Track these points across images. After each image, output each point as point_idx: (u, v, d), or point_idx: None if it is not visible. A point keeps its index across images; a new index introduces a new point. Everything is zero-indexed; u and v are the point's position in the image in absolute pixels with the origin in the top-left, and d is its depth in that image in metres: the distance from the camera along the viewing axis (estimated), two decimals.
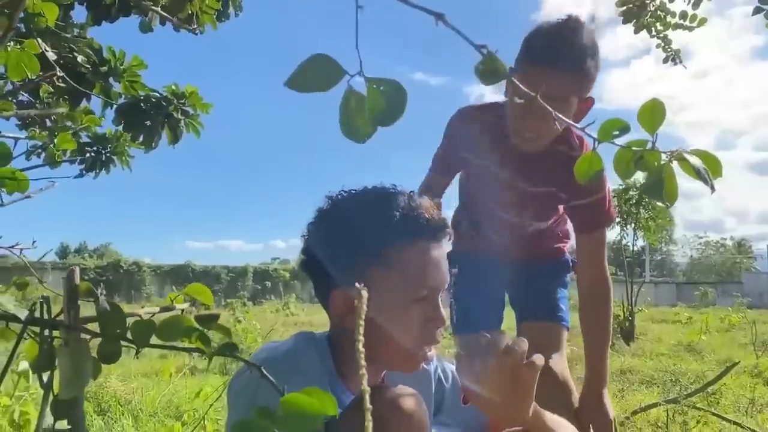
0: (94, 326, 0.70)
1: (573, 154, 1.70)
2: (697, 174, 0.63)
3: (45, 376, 0.65)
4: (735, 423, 3.01)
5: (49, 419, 0.71)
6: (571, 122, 0.62)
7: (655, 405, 3.36)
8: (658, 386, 4.40)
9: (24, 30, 1.71)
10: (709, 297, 21.65)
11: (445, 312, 1.07)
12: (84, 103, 1.94)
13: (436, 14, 0.48)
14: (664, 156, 0.63)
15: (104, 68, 1.94)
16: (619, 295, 7.85)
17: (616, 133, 0.61)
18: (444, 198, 1.92)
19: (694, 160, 0.63)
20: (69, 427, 0.69)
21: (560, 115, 0.60)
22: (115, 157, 2.08)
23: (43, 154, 1.72)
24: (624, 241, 8.93)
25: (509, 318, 2.05)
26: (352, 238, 1.03)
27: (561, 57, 1.50)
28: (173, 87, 2.26)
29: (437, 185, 1.91)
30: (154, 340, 0.67)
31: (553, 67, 1.49)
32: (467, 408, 1.23)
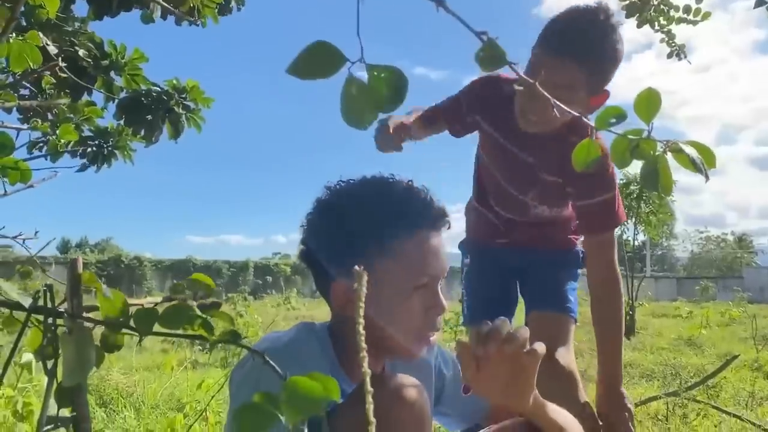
0: (97, 315, 0.70)
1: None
2: (691, 164, 0.63)
3: (49, 364, 0.65)
4: (735, 416, 3.02)
5: (52, 407, 0.71)
6: (570, 110, 0.62)
7: (655, 398, 3.37)
8: (658, 380, 4.41)
9: (25, 23, 1.71)
10: (709, 291, 21.67)
11: (445, 300, 1.08)
12: (85, 97, 1.94)
13: (436, 0, 0.48)
14: (659, 145, 0.64)
15: (105, 62, 1.94)
16: None
17: (613, 121, 0.62)
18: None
19: (689, 151, 0.64)
20: (73, 414, 0.70)
21: (559, 103, 0.60)
22: (117, 151, 2.08)
23: (45, 147, 1.72)
24: (625, 236, 8.95)
25: (521, 307, 2.05)
26: (352, 228, 1.04)
27: (568, 45, 1.49)
28: (174, 81, 2.26)
29: (432, 114, 1.92)
30: (156, 328, 0.67)
31: (560, 54, 1.49)
32: (468, 397, 1.23)
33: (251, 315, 7.63)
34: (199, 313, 0.65)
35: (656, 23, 2.88)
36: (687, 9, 2.78)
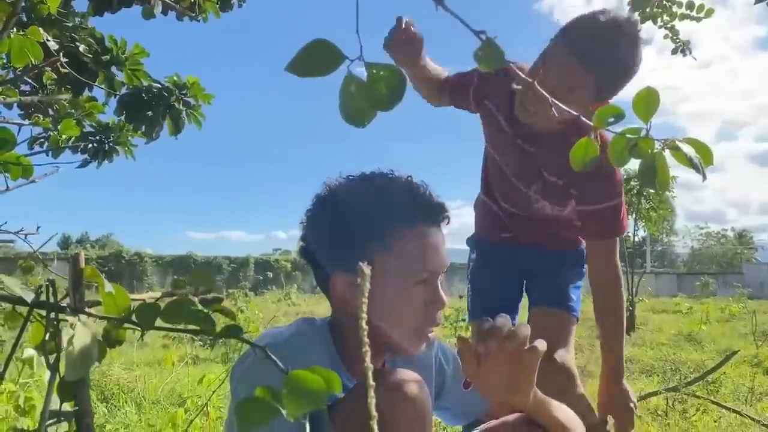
0: (98, 310, 0.71)
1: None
2: (689, 162, 0.64)
3: (51, 359, 0.66)
4: (734, 411, 3.02)
5: (55, 402, 0.72)
6: (567, 109, 0.63)
7: (655, 393, 3.38)
8: (658, 375, 4.42)
9: (25, 19, 1.71)
10: (709, 287, 21.68)
11: (445, 295, 1.09)
12: (86, 93, 1.94)
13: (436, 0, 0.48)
14: (657, 144, 0.64)
15: (106, 57, 1.94)
16: None
17: (611, 120, 0.62)
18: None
19: (687, 149, 0.64)
20: (75, 408, 0.71)
21: (558, 102, 0.61)
22: (118, 147, 2.08)
23: (46, 143, 1.72)
24: (625, 232, 8.93)
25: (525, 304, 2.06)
26: (352, 224, 1.04)
27: (585, 52, 1.47)
28: (175, 77, 2.26)
29: (438, 74, 1.90)
30: (158, 323, 0.68)
31: (575, 58, 1.47)
32: (469, 392, 1.24)
33: (252, 311, 7.64)
34: (200, 308, 0.66)
35: (659, 19, 2.87)
36: (690, 5, 2.78)
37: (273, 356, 0.60)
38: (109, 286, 0.67)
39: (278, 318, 7.88)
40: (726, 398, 3.55)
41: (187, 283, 0.87)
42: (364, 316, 0.43)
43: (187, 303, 0.67)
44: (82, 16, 1.98)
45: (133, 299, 0.71)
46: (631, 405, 1.73)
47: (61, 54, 1.10)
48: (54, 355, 0.65)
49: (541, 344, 0.98)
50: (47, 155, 1.69)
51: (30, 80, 1.53)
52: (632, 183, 8.29)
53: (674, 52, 2.95)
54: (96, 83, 1.96)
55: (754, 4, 2.24)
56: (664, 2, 2.83)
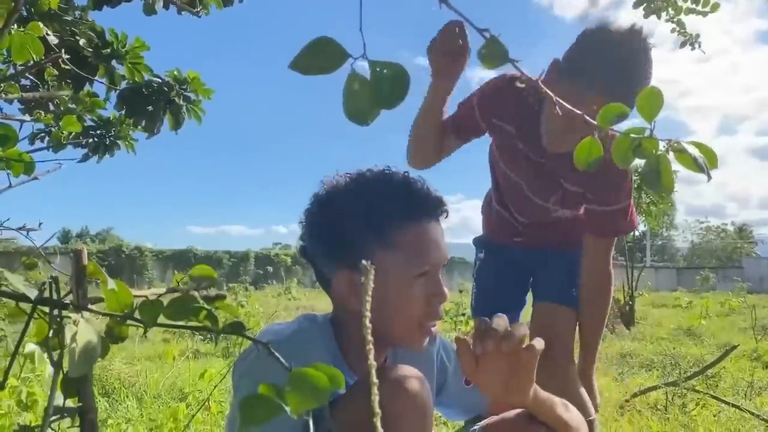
0: (101, 306, 0.71)
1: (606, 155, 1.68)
2: (694, 164, 0.64)
3: (54, 356, 0.66)
4: (734, 405, 3.03)
5: (58, 398, 0.72)
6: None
7: (654, 388, 3.39)
8: (657, 369, 4.43)
9: (25, 14, 1.70)
10: (709, 282, 21.71)
11: (447, 289, 1.09)
12: (87, 87, 1.94)
13: None
14: (661, 144, 0.64)
15: (107, 51, 1.93)
16: (620, 279, 7.88)
17: (616, 119, 0.62)
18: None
19: (692, 150, 0.64)
20: (79, 404, 0.71)
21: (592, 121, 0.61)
22: (119, 141, 2.08)
23: (47, 138, 1.72)
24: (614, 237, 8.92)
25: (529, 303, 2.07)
26: (351, 220, 1.05)
27: (614, 82, 1.44)
28: (175, 72, 2.25)
29: (449, 143, 1.85)
30: (161, 320, 0.68)
31: (603, 91, 1.41)
32: (469, 389, 1.24)
33: (252, 305, 7.66)
34: (203, 304, 0.66)
35: (665, 13, 2.85)
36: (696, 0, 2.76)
37: (276, 353, 0.60)
38: (111, 283, 0.67)
39: (279, 313, 7.89)
40: (725, 393, 3.56)
41: (190, 280, 0.87)
42: (368, 314, 0.43)
43: (190, 299, 0.67)
44: (82, 10, 1.97)
45: (136, 296, 0.71)
46: (597, 397, 1.88)
47: (63, 51, 1.10)
48: (57, 352, 0.65)
49: (539, 343, 0.99)
50: (48, 150, 1.69)
51: (31, 76, 1.53)
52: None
53: (682, 45, 2.93)
54: (96, 77, 1.95)
55: None
56: None
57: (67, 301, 0.67)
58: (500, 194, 2.01)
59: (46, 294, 0.67)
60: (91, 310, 0.68)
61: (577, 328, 1.91)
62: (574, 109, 0.67)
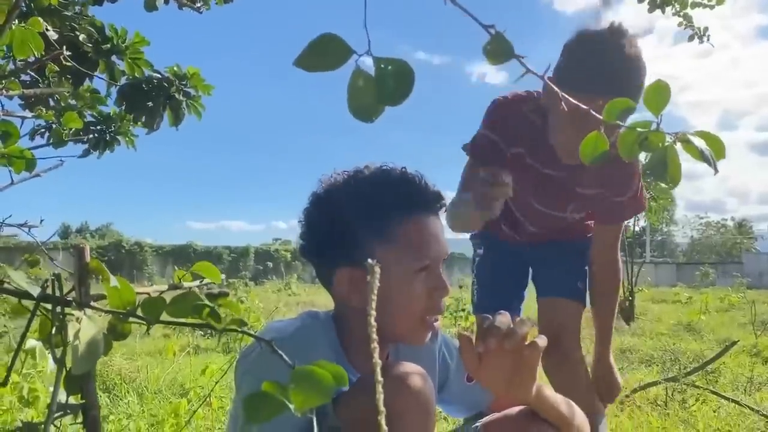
0: (104, 303, 0.71)
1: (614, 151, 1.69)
2: (700, 155, 0.63)
3: (57, 353, 0.66)
4: (733, 401, 3.04)
5: (60, 393, 0.72)
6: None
7: (654, 383, 3.39)
8: (657, 365, 4.43)
9: (25, 9, 1.70)
10: (709, 277, 21.72)
11: (449, 283, 1.10)
12: (87, 83, 1.93)
13: None
14: (668, 137, 0.64)
15: (107, 46, 1.93)
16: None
17: (621, 114, 0.62)
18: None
19: (698, 142, 0.64)
20: (82, 401, 0.71)
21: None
22: (119, 137, 2.08)
23: (47, 134, 1.72)
24: (625, 221, 8.93)
25: (530, 296, 2.08)
26: (351, 217, 1.05)
27: (613, 80, 1.45)
28: (175, 68, 2.25)
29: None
30: (163, 316, 0.68)
31: (605, 90, 1.39)
32: (471, 386, 1.25)
33: (252, 301, 7.66)
34: (206, 301, 0.66)
35: (671, 8, 2.84)
36: None
37: (279, 350, 0.60)
38: (114, 281, 0.67)
39: (279, 309, 7.89)
40: (725, 388, 3.56)
41: (192, 277, 0.87)
42: (373, 312, 0.43)
43: (193, 297, 0.67)
44: (82, 6, 1.97)
45: (138, 293, 0.71)
46: (617, 379, 1.91)
47: (65, 47, 1.10)
48: (60, 349, 0.65)
49: (542, 341, 0.99)
50: (48, 144, 1.68)
51: (32, 72, 1.52)
52: None
53: (690, 39, 2.93)
54: (97, 73, 1.95)
55: None
56: None
57: (70, 299, 0.67)
58: (507, 212, 1.97)
59: (49, 291, 0.66)
60: (93, 308, 0.67)
61: (591, 317, 1.95)
62: (579, 108, 0.67)
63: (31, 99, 1.63)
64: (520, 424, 1.13)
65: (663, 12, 2.80)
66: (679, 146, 0.64)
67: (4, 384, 0.68)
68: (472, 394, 1.26)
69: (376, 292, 0.43)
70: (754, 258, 30.36)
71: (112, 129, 2.11)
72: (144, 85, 2.19)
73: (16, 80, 1.10)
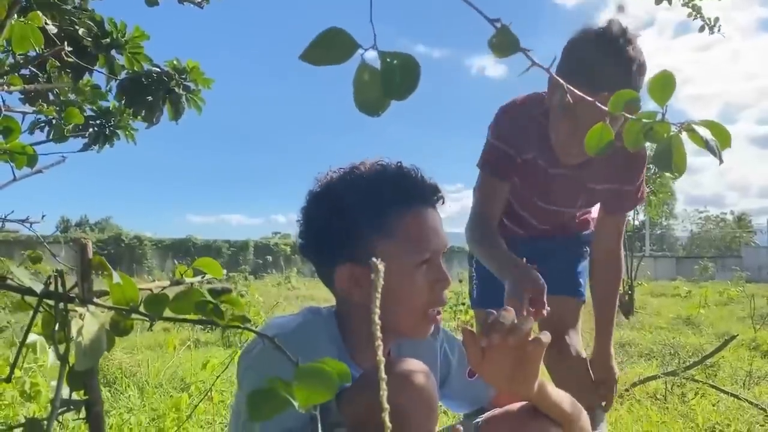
0: (106, 299, 0.71)
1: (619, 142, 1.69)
2: (705, 145, 0.63)
3: (60, 349, 0.66)
4: (732, 395, 3.05)
5: (64, 390, 0.72)
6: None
7: (654, 377, 3.40)
8: (657, 359, 4.44)
9: (25, 3, 1.69)
10: (708, 271, 21.73)
11: (450, 276, 1.10)
12: (87, 77, 1.93)
13: None
14: (673, 128, 0.64)
15: (106, 40, 1.92)
16: None
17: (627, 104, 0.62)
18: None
19: (703, 132, 0.63)
20: (86, 397, 0.71)
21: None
22: (119, 131, 2.07)
23: (47, 128, 1.71)
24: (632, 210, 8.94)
25: None
26: (350, 213, 1.05)
27: (615, 77, 1.45)
28: (175, 62, 2.24)
29: (502, 193, 1.79)
30: (165, 312, 0.68)
31: (607, 87, 1.36)
32: (473, 381, 1.25)
33: (252, 294, 7.66)
34: (209, 298, 0.66)
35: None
36: None
37: (282, 347, 0.60)
38: (116, 277, 0.67)
39: (279, 303, 7.89)
40: (724, 382, 3.57)
41: (193, 273, 0.87)
42: (377, 311, 0.43)
43: (196, 293, 0.67)
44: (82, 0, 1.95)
45: (141, 289, 0.71)
46: (615, 373, 1.91)
47: (66, 43, 1.09)
48: (63, 345, 0.65)
49: (545, 336, 0.99)
50: (49, 139, 1.68)
51: (33, 67, 1.52)
52: None
53: (701, 29, 2.91)
54: (96, 67, 1.94)
55: None
56: None
57: (73, 295, 0.67)
58: (512, 211, 1.98)
59: (52, 287, 0.66)
60: (96, 304, 0.67)
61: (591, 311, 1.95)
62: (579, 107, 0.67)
63: (30, 93, 1.62)
64: (521, 420, 1.13)
65: (670, 4, 2.79)
66: (684, 136, 0.64)
67: (7, 380, 0.68)
68: (474, 390, 1.26)
69: (380, 290, 0.42)
70: (753, 252, 30.37)
71: (112, 123, 2.10)
72: (144, 79, 2.18)
73: (17, 75, 1.09)
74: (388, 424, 0.44)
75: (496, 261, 1.57)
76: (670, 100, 0.66)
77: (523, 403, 1.15)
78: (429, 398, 0.96)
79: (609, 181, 1.76)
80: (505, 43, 0.52)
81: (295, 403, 0.50)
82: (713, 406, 2.98)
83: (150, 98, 2.22)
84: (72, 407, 0.70)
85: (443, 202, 1.14)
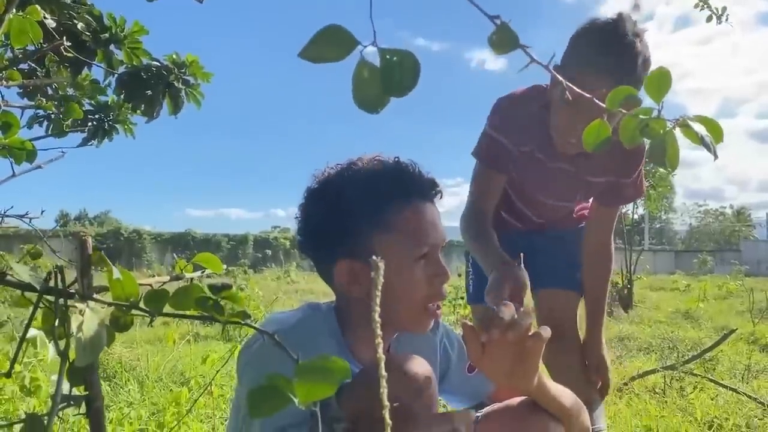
0: (106, 295, 0.71)
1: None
2: (700, 141, 0.64)
3: (61, 344, 0.66)
4: (731, 389, 3.06)
5: (65, 385, 0.72)
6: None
7: (652, 371, 3.41)
8: (655, 353, 4.45)
9: None
10: (707, 265, 21.77)
11: (449, 269, 1.10)
12: (85, 72, 1.92)
13: None
14: (669, 124, 0.64)
15: (105, 35, 1.91)
16: (618, 263, 7.90)
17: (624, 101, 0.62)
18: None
19: (698, 127, 0.64)
20: (86, 393, 0.71)
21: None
22: (117, 126, 2.07)
23: (46, 123, 1.71)
24: (624, 209, 8.94)
25: None
26: (348, 209, 1.06)
27: (619, 72, 1.44)
28: (174, 56, 2.23)
29: (497, 185, 1.78)
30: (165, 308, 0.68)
31: (610, 81, 1.41)
32: (473, 376, 1.25)
33: (251, 288, 7.67)
34: (209, 294, 0.66)
35: None
36: None
37: (282, 343, 0.60)
38: (117, 272, 0.67)
39: (279, 298, 7.90)
40: (723, 376, 3.58)
41: (193, 268, 0.87)
42: (378, 308, 0.43)
43: (196, 290, 0.67)
44: None
45: (141, 284, 0.71)
46: (607, 359, 1.91)
47: (65, 38, 1.09)
48: (63, 341, 0.65)
49: (545, 331, 0.99)
50: (48, 134, 1.67)
51: (32, 63, 1.51)
52: None
53: (708, 20, 2.91)
54: (95, 62, 1.93)
55: None
56: None
57: (73, 291, 0.67)
58: (508, 202, 1.98)
59: (52, 283, 0.66)
60: (96, 300, 0.67)
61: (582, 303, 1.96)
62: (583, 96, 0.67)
63: (29, 88, 1.62)
64: (520, 415, 1.13)
65: None
66: (678, 132, 0.65)
67: (7, 375, 0.68)
68: (473, 385, 1.27)
69: (380, 288, 0.43)
70: (752, 245, 30.42)
71: (111, 118, 2.10)
72: (143, 74, 2.17)
73: (16, 70, 1.09)
74: (389, 420, 0.44)
75: (484, 254, 1.58)
76: (669, 95, 0.66)
77: (523, 397, 1.15)
78: (429, 394, 0.96)
79: (607, 174, 1.76)
80: (504, 40, 0.52)
81: (296, 400, 0.50)
82: (712, 400, 3.00)
83: (149, 92, 2.21)
84: (72, 403, 0.70)
85: (441, 197, 1.14)
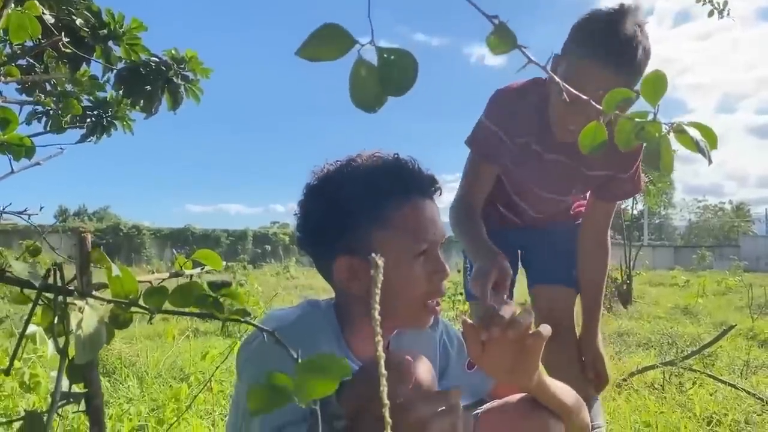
0: (105, 292, 0.71)
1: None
2: (695, 146, 0.65)
3: (60, 342, 0.66)
4: (730, 384, 3.07)
5: (64, 382, 0.72)
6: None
7: (652, 367, 3.42)
8: (655, 348, 4.46)
9: None
10: (706, 260, 21.78)
11: (447, 266, 1.10)
12: (84, 67, 1.92)
13: None
14: (664, 127, 0.65)
15: (104, 31, 1.91)
16: (617, 258, 7.91)
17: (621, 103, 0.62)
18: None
19: (693, 133, 0.65)
20: (86, 390, 0.71)
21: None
22: (116, 121, 2.06)
23: (44, 119, 1.71)
24: (623, 205, 8.95)
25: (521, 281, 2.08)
26: (347, 205, 1.05)
27: (619, 58, 1.45)
28: (173, 52, 2.23)
29: (488, 176, 1.79)
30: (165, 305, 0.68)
31: (610, 67, 1.44)
32: (472, 373, 1.25)
33: (251, 284, 7.68)
34: (209, 291, 0.66)
35: None
36: None
37: (282, 340, 0.60)
38: (116, 270, 0.67)
39: (279, 294, 7.90)
40: (722, 371, 3.59)
41: (193, 264, 0.87)
42: (377, 307, 0.43)
43: (195, 287, 0.67)
44: None
45: (140, 281, 0.71)
46: (603, 353, 1.91)
47: (63, 34, 1.08)
48: (62, 338, 0.65)
49: (545, 329, 1.00)
50: (47, 131, 1.67)
51: (30, 58, 1.51)
52: None
53: (710, 14, 2.91)
54: (93, 58, 1.93)
55: None
56: None
57: (72, 288, 0.67)
58: (509, 200, 1.98)
59: (51, 280, 0.66)
60: (96, 297, 0.67)
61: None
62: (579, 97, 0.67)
63: (28, 84, 1.61)
64: (520, 412, 1.14)
65: None
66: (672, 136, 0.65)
67: (7, 373, 0.68)
68: (473, 382, 1.27)
69: (380, 286, 0.43)
70: (751, 241, 30.43)
71: (110, 114, 2.10)
72: (142, 69, 2.17)
73: (14, 65, 1.09)
74: (389, 419, 0.44)
75: (472, 244, 1.58)
76: (669, 90, 0.67)
77: (523, 394, 1.15)
78: (428, 390, 0.97)
79: (604, 168, 1.75)
80: (502, 41, 0.52)
81: (296, 398, 0.50)
82: (711, 395, 3.00)
83: (148, 88, 2.21)
84: (72, 400, 0.70)
85: (441, 193, 1.14)
